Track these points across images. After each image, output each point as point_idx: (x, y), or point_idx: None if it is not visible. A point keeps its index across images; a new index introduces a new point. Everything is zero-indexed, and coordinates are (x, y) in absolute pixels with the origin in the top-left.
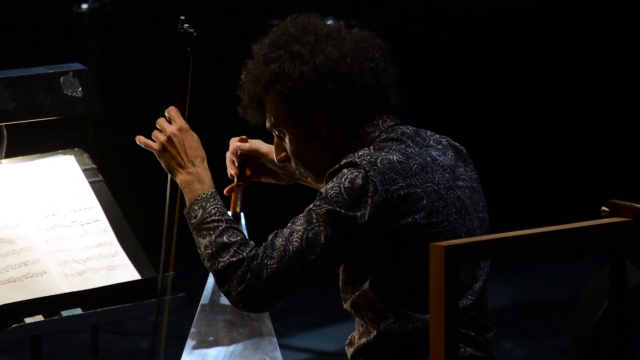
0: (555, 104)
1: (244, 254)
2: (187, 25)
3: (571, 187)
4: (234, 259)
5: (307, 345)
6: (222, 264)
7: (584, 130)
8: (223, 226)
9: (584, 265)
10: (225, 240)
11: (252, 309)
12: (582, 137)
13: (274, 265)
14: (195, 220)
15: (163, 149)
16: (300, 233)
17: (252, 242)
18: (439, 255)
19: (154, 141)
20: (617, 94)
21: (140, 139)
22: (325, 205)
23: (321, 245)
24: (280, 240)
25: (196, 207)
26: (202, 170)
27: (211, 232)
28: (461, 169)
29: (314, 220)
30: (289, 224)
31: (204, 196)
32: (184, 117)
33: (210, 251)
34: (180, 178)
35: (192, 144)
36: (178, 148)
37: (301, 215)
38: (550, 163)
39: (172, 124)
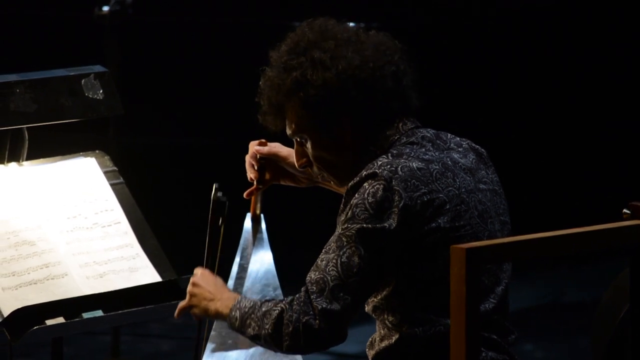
0: (577, 105)
1: (280, 305)
2: (221, 193)
3: (593, 189)
4: (274, 316)
5: None
6: (269, 329)
7: (605, 132)
8: (258, 304)
9: (606, 268)
10: (264, 309)
11: (314, 347)
12: (604, 139)
13: (317, 299)
14: (238, 322)
15: (192, 295)
16: (334, 260)
17: (287, 297)
18: (460, 257)
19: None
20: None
21: (177, 312)
22: (353, 226)
23: (357, 266)
24: (317, 273)
25: (233, 314)
26: (230, 294)
27: (252, 316)
28: (482, 172)
29: (345, 243)
30: (322, 254)
31: (235, 303)
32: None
33: (257, 328)
34: (213, 307)
35: (217, 282)
36: (203, 286)
37: (332, 241)
38: (571, 165)
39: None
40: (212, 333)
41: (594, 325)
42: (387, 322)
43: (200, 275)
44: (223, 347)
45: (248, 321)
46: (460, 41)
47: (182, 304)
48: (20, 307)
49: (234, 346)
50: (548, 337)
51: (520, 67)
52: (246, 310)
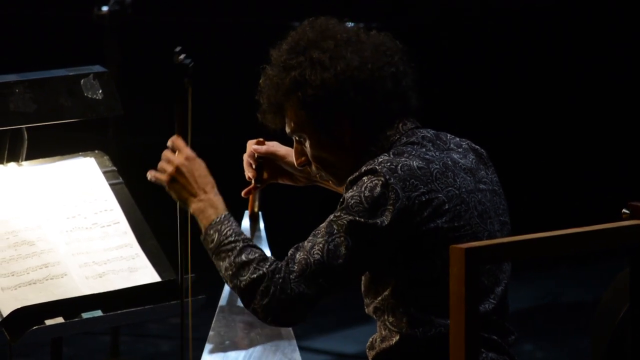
0: (577, 105)
1: (264, 269)
2: (184, 55)
3: (592, 189)
4: (255, 275)
5: (327, 347)
6: (243, 282)
7: (605, 132)
8: (240, 245)
9: (605, 268)
10: (244, 258)
11: (280, 322)
12: (604, 139)
13: (296, 279)
14: (212, 245)
15: (172, 180)
16: (321, 245)
17: (271, 257)
18: (460, 257)
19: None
20: None
21: (151, 173)
22: (346, 216)
23: (343, 256)
24: (301, 253)
25: (212, 232)
26: (214, 195)
27: (229, 253)
28: (482, 172)
29: (335, 231)
30: (310, 237)
31: (218, 220)
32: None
33: (230, 272)
34: (193, 206)
35: (201, 171)
36: (188, 177)
37: (322, 226)
38: (571, 165)
39: (177, 154)
40: (211, 333)
41: (594, 326)
42: (387, 323)
43: (186, 159)
44: (221, 347)
45: (223, 255)
46: (461, 41)
47: (159, 178)
48: (19, 307)
49: (233, 346)
50: (548, 338)
51: (520, 67)
52: (226, 242)
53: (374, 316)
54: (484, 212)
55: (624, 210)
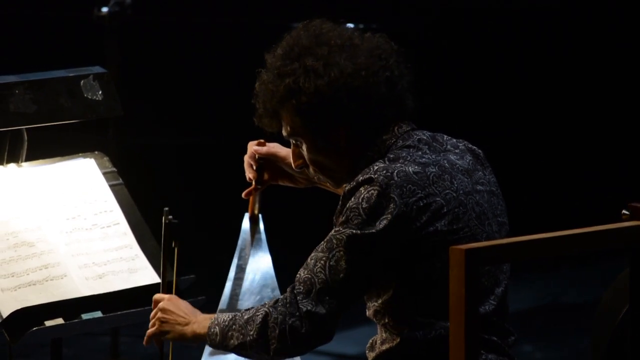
0: (577, 105)
1: (263, 310)
2: (172, 217)
3: (592, 189)
4: (259, 319)
5: (327, 349)
6: (254, 334)
7: (605, 133)
8: (238, 316)
9: (605, 269)
10: (245, 317)
11: (302, 348)
12: (604, 140)
13: (304, 300)
14: (218, 337)
15: (162, 322)
16: (323, 262)
17: (267, 302)
18: (459, 258)
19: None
20: None
21: (145, 340)
22: (345, 230)
23: (344, 271)
24: (305, 273)
25: (212, 330)
26: (204, 315)
27: (233, 326)
28: (479, 173)
29: (335, 246)
30: (312, 253)
31: (213, 319)
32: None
33: (241, 336)
34: (189, 331)
35: (187, 305)
36: (175, 311)
37: (323, 242)
38: (571, 165)
39: (160, 301)
40: None
41: (594, 326)
42: (388, 326)
43: (168, 300)
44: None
45: (230, 333)
46: (459, 41)
47: (151, 330)
48: (19, 308)
49: None
50: (547, 339)
51: (519, 67)
52: (226, 323)
53: (374, 319)
54: (482, 214)
55: (623, 212)
